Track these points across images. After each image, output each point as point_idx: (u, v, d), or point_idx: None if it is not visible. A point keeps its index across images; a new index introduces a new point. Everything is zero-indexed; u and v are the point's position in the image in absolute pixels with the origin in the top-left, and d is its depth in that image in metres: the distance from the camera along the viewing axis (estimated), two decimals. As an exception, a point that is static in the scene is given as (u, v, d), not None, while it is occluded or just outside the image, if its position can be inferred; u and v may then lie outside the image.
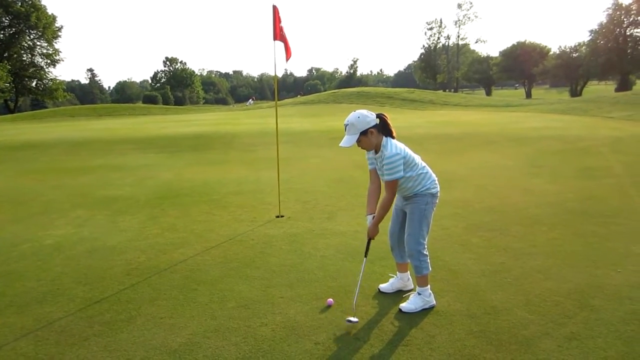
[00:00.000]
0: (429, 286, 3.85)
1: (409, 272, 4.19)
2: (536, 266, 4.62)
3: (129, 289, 4.38)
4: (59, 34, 63.35)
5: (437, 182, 3.88)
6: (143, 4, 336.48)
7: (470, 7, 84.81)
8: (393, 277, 4.26)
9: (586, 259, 4.76)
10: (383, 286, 4.21)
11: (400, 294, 4.10)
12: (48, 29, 60.79)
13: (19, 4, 58.19)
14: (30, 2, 58.78)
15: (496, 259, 4.84)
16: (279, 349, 3.28)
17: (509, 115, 24.72)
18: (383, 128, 3.72)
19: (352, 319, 3.59)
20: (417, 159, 3.83)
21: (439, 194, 3.88)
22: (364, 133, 3.65)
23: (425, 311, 3.76)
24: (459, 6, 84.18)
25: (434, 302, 3.85)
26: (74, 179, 10.61)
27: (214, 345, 3.36)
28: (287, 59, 6.64)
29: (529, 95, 73.13)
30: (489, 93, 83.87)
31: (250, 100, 73.06)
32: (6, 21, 59.24)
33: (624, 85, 56.41)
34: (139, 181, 10.06)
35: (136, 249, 5.52)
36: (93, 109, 44.39)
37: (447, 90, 76.02)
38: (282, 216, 6.74)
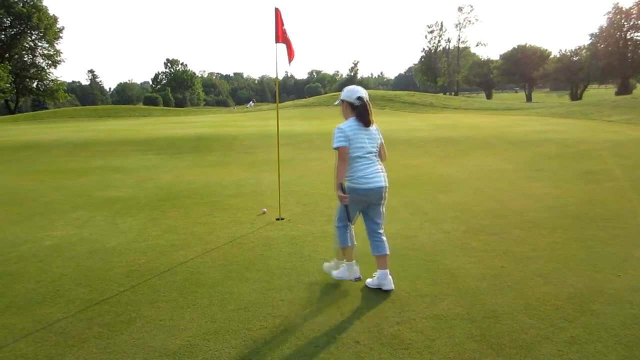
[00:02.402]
0: (349, 261, 4.27)
1: (387, 270, 4.24)
2: (536, 270, 4.62)
3: (128, 291, 4.38)
4: (60, 35, 63.43)
5: (368, 179, 4.11)
6: (144, 5, 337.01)
7: (471, 11, 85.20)
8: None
9: (586, 263, 4.75)
10: (369, 281, 4.31)
11: (400, 296, 4.09)
12: (49, 30, 60.86)
13: (21, 5, 58.28)
14: (32, 3, 58.88)
15: (496, 263, 4.84)
16: (279, 352, 3.28)
17: (509, 119, 24.74)
18: (358, 112, 4.16)
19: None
20: (363, 152, 4.13)
21: (362, 192, 4.11)
22: (341, 101, 4.28)
23: (426, 315, 3.75)
24: (460, 9, 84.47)
25: (354, 276, 4.26)
26: (74, 180, 10.62)
27: (213, 347, 3.36)
28: (290, 60, 6.65)
29: (529, 98, 73.17)
30: (489, 96, 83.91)
31: (250, 102, 72.97)
32: (8, 22, 59.33)
33: (624, 89, 56.52)
34: (139, 183, 10.06)
35: (136, 250, 5.52)
36: (94, 110, 44.41)
37: (447, 93, 76.21)
38: (282, 218, 6.74)
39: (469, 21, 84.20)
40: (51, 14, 60.95)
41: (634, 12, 57.50)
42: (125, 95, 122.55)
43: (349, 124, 4.15)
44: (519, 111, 31.10)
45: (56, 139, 18.71)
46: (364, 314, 3.81)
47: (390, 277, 4.21)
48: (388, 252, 4.24)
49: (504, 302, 3.93)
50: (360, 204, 4.19)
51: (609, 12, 59.26)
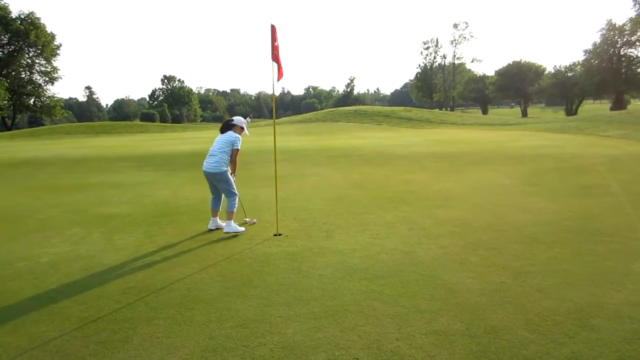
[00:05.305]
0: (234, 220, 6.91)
1: (218, 217, 7.19)
2: (535, 285, 4.60)
3: (125, 308, 4.34)
4: (58, 52, 63.60)
5: (208, 165, 7.07)
6: (142, 22, 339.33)
7: (466, 27, 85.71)
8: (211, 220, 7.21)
9: (585, 278, 4.74)
10: (210, 226, 7.09)
11: (399, 312, 4.07)
12: (47, 47, 61.09)
13: (19, 22, 58.56)
14: (30, 20, 59.16)
15: (495, 278, 4.82)
16: (278, 370, 3.24)
17: (505, 134, 24.86)
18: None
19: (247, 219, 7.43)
20: (211, 151, 7.12)
21: (204, 173, 7.15)
22: None
23: (425, 331, 3.72)
24: (455, 26, 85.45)
25: (242, 229, 6.84)
26: (71, 196, 10.58)
27: (211, 365, 3.31)
28: (279, 79, 6.65)
29: (525, 114, 73.72)
30: (485, 112, 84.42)
31: (247, 118, 73.08)
32: (5, 39, 59.55)
33: (619, 104, 57.01)
34: (136, 199, 10.03)
35: (133, 267, 5.48)
36: (90, 126, 44.47)
37: (443, 109, 76.65)
38: (280, 234, 6.72)
39: (464, 38, 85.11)
40: (49, 31, 61.22)
41: (627, 28, 58.17)
42: (122, 111, 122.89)
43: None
44: (515, 126, 31.28)
45: (53, 156, 18.69)
46: (363, 330, 3.78)
47: (223, 224, 6.96)
48: (220, 209, 7.17)
49: (504, 318, 3.91)
50: (207, 180, 7.19)
51: (603, 29, 59.93)
